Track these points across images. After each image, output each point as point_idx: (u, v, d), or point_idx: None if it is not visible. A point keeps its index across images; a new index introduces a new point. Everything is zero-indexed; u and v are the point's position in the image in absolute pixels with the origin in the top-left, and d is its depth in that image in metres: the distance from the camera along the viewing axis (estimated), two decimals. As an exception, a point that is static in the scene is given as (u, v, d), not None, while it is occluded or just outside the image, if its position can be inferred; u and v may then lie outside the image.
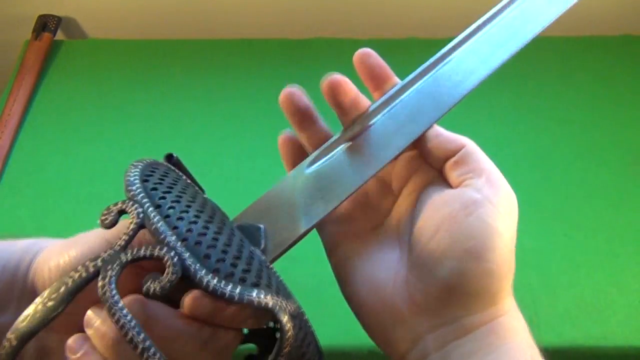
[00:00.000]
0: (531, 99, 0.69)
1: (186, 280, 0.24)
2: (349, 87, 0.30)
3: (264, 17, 0.77)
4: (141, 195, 0.26)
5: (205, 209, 0.27)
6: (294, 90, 0.31)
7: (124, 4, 0.77)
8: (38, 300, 0.25)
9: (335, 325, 0.42)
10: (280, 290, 0.26)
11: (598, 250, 0.55)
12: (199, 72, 0.73)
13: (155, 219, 0.25)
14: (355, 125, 0.31)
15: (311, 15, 0.77)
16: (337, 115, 0.32)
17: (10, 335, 0.24)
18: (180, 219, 0.25)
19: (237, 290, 0.24)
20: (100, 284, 0.24)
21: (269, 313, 0.25)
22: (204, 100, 0.69)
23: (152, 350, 0.23)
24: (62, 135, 0.66)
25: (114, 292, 0.23)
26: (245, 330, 0.28)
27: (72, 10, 0.77)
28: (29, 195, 0.61)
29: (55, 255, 0.27)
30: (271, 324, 0.28)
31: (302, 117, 0.31)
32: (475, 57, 0.31)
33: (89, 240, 0.27)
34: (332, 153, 0.31)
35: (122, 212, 0.26)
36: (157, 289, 0.24)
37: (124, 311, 0.23)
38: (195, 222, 0.26)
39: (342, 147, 0.31)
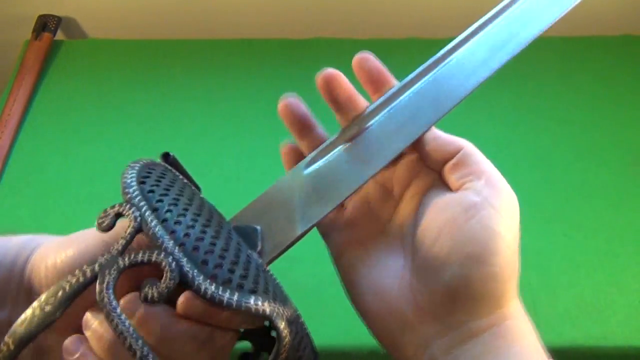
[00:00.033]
0: (531, 99, 0.69)
1: (184, 285, 0.24)
2: (344, 81, 0.30)
3: (264, 17, 0.77)
4: (138, 198, 0.25)
5: (203, 212, 0.27)
6: (291, 100, 0.31)
7: (124, 4, 0.77)
8: (35, 304, 0.24)
9: (335, 325, 0.42)
10: (277, 295, 0.26)
11: (598, 250, 0.55)
12: (199, 72, 0.72)
13: (152, 223, 0.25)
14: (353, 126, 0.31)
15: (311, 15, 0.77)
16: (334, 113, 0.32)
17: (8, 339, 0.24)
18: (178, 222, 0.25)
19: (235, 297, 0.24)
20: (98, 289, 0.24)
21: (267, 319, 0.24)
22: (204, 100, 0.69)
23: (150, 356, 0.22)
24: (62, 135, 0.66)
25: (112, 297, 0.23)
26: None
27: (72, 10, 0.77)
28: (29, 195, 0.61)
29: (52, 253, 0.27)
30: (267, 323, 0.28)
31: (301, 125, 0.31)
32: (475, 59, 0.31)
33: (86, 240, 0.27)
34: (330, 154, 0.31)
35: (119, 215, 0.25)
36: (155, 295, 0.24)
37: (122, 317, 0.23)
38: (192, 227, 0.25)
39: (340, 148, 0.30)
